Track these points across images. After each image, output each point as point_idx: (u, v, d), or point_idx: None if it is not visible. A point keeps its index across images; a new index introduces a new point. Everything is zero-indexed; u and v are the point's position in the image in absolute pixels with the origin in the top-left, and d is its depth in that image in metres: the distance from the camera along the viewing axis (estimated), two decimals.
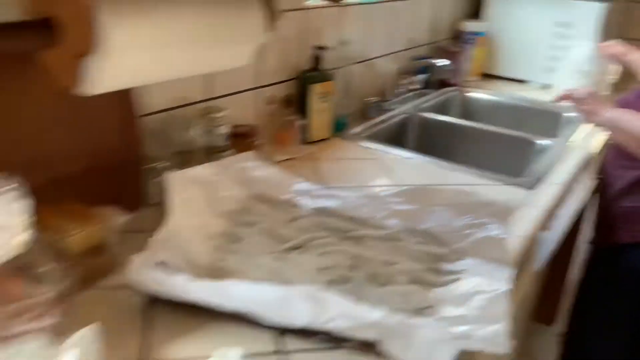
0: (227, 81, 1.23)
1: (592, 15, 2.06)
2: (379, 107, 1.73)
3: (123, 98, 0.98)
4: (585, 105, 1.36)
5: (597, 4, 2.05)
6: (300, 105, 1.40)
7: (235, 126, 1.21)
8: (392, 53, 1.86)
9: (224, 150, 1.13)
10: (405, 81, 1.88)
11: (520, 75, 2.25)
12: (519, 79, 2.25)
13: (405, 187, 1.07)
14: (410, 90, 1.91)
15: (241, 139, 1.19)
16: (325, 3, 1.46)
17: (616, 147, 1.43)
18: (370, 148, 1.43)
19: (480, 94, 2.11)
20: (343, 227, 0.92)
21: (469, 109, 2.12)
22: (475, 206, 0.98)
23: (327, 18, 1.49)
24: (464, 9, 2.31)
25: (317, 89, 1.39)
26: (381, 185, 1.20)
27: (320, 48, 1.38)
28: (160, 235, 0.81)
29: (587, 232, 2.01)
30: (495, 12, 2.24)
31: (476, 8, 2.34)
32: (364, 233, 0.91)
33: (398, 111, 1.77)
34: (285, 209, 0.98)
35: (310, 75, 1.38)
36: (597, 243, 1.55)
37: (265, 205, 0.99)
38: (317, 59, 1.39)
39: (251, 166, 1.08)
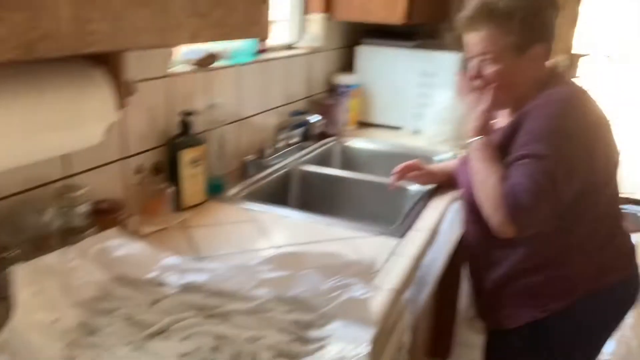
0: (87, 156, 1.18)
1: (450, 64, 2.24)
2: (258, 165, 1.75)
3: None
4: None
5: (456, 55, 2.24)
6: (171, 172, 1.38)
7: (98, 202, 1.16)
8: (269, 110, 1.90)
9: (84, 231, 1.08)
10: (283, 136, 1.92)
11: (393, 122, 2.38)
12: (392, 125, 2.38)
13: (275, 253, 1.07)
14: (290, 145, 1.95)
15: (104, 216, 1.14)
16: (191, 69, 1.47)
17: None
18: (248, 209, 1.43)
19: (358, 143, 2.20)
20: (210, 304, 0.90)
21: (349, 158, 2.20)
22: (343, 267, 1.00)
23: (195, 83, 1.50)
24: (337, 64, 2.42)
25: (187, 154, 1.37)
26: (255, 249, 1.20)
27: (189, 113, 1.38)
28: (3, 338, 0.74)
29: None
30: (366, 64, 2.38)
31: (348, 61, 2.47)
32: (231, 308, 0.89)
33: (278, 167, 1.80)
34: (148, 290, 0.94)
35: (179, 141, 1.37)
36: (491, 327, 1.45)
37: (128, 288, 0.95)
38: (185, 124, 1.38)
39: (114, 245, 1.03)
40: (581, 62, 4.17)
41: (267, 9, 1.14)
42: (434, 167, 1.72)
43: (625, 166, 1.34)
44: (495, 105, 1.29)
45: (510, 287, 1.31)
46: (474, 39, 1.24)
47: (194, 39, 0.93)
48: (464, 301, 2.23)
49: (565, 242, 1.24)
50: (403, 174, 1.60)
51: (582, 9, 3.93)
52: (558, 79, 1.28)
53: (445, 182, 1.63)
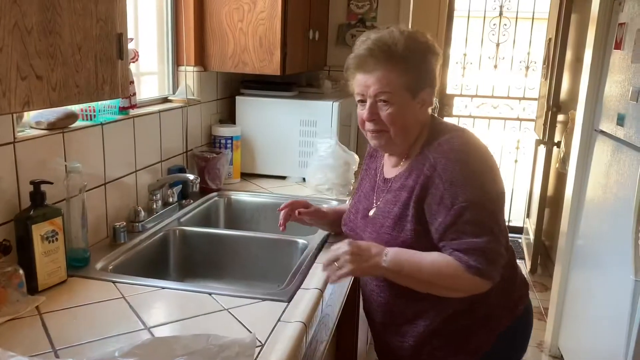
0: None
1: (329, 112, 2.25)
2: (131, 230, 1.60)
3: None
4: (349, 257, 1.21)
5: (332, 102, 2.25)
6: (22, 251, 1.20)
7: None
8: (141, 169, 1.76)
9: None
10: (159, 196, 1.78)
11: (278, 171, 2.33)
12: (278, 175, 2.33)
13: (139, 342, 0.94)
14: (167, 204, 1.82)
15: None
16: (44, 132, 1.32)
17: None
18: (117, 284, 1.28)
19: (243, 196, 2.12)
20: None
21: (234, 214, 2.10)
22: (218, 350, 0.90)
23: (51, 146, 1.34)
24: (217, 115, 2.35)
25: (41, 229, 1.20)
26: (123, 333, 1.06)
27: (41, 182, 1.22)
28: None
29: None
30: (246, 115, 2.32)
31: (229, 112, 2.40)
32: None
33: (154, 230, 1.66)
34: None
35: (30, 214, 1.20)
36: None
37: None
38: (38, 195, 1.21)
39: None
40: (455, 101, 4.47)
41: (125, 65, 1.04)
42: (324, 207, 1.67)
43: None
44: (389, 147, 1.30)
45: (438, 338, 1.29)
46: (369, 80, 1.21)
47: (27, 105, 0.81)
48: (363, 344, 2.18)
49: None
50: (291, 212, 1.54)
51: (451, 51, 4.23)
52: (440, 122, 1.31)
53: (336, 223, 1.55)
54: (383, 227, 1.28)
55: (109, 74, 0.98)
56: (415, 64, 1.21)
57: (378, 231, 1.29)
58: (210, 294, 1.25)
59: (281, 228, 1.53)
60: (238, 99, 2.33)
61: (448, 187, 1.17)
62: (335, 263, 1.22)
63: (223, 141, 2.22)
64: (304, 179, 2.27)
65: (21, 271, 1.15)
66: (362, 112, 1.26)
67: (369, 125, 1.27)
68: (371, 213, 1.35)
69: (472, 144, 1.23)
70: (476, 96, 4.57)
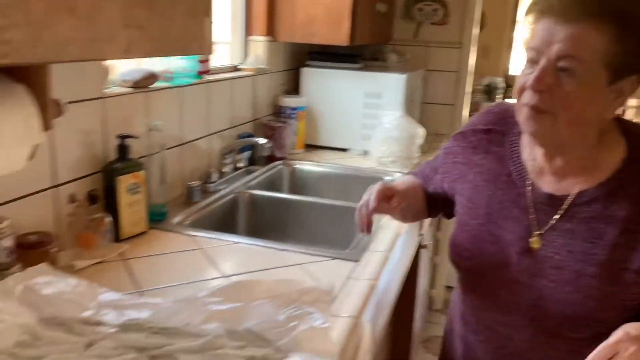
0: (11, 185, 1.07)
1: (396, 85, 2.24)
2: (204, 190, 1.66)
3: None
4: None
5: (400, 75, 2.24)
6: (108, 201, 1.27)
7: (24, 235, 1.05)
8: (214, 133, 1.82)
9: (9, 268, 0.97)
10: (230, 160, 1.84)
11: (341, 144, 2.35)
12: (340, 147, 2.35)
13: (224, 284, 0.99)
14: (237, 169, 1.88)
15: (32, 250, 1.03)
16: (129, 90, 1.38)
17: None
18: (194, 237, 1.34)
19: (306, 166, 2.15)
20: (153, 343, 0.81)
21: (297, 182, 2.14)
22: (298, 294, 0.93)
23: (134, 104, 1.41)
24: (283, 86, 2.38)
25: (126, 181, 1.27)
26: (202, 280, 1.11)
27: (126, 137, 1.29)
28: None
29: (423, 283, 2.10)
30: (311, 86, 2.34)
31: (294, 83, 2.43)
32: (177, 347, 0.80)
33: (225, 192, 1.72)
34: (82, 332, 0.83)
35: (116, 166, 1.27)
36: None
37: (59, 330, 0.84)
38: (123, 149, 1.28)
39: (43, 282, 0.92)
40: None
41: (209, 23, 1.07)
42: (399, 185, 1.19)
43: None
44: (548, 139, 0.91)
45: None
46: (558, 33, 0.82)
47: (128, 53, 0.85)
48: (419, 323, 2.20)
49: None
50: (378, 208, 1.06)
51: (516, 34, 4.10)
52: (634, 125, 0.95)
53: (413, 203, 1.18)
54: (583, 277, 0.90)
55: (197, 30, 1.02)
56: (637, 34, 0.82)
57: (575, 283, 0.90)
58: (281, 250, 1.29)
59: (365, 232, 1.11)
60: (304, 70, 2.35)
61: None
62: None
63: (288, 111, 2.25)
64: (365, 152, 2.28)
65: (108, 218, 1.23)
66: (528, 76, 0.86)
67: (529, 97, 0.86)
68: (535, 245, 0.94)
69: None
70: None
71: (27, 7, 0.65)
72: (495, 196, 1.00)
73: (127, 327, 0.86)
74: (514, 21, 4.02)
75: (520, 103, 0.90)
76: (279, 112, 2.26)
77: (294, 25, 2.14)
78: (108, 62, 1.31)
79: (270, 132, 2.11)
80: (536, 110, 0.86)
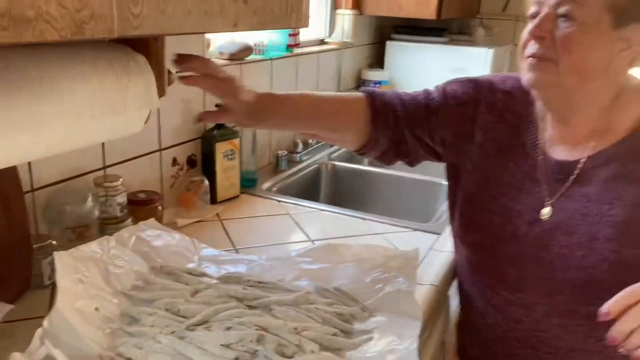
0: (124, 147, 1.18)
1: (482, 60, 2.20)
2: (290, 160, 1.73)
3: (5, 174, 0.90)
4: None
5: (486, 49, 2.20)
6: (206, 165, 1.37)
7: (134, 193, 1.15)
8: None
9: (122, 221, 1.08)
10: None
11: None
12: None
13: (314, 245, 1.05)
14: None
15: (141, 207, 1.13)
16: (225, 62, 1.46)
17: None
18: (281, 202, 1.41)
19: None
20: (250, 294, 0.88)
21: None
22: (384, 259, 0.98)
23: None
24: (367, 59, 2.40)
25: (222, 147, 1.36)
26: (290, 242, 1.18)
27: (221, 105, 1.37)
28: (47, 324, 0.73)
29: None
30: (396, 60, 2.34)
31: (378, 57, 2.44)
32: (273, 299, 0.87)
33: (309, 162, 1.78)
34: (188, 281, 0.92)
35: (214, 134, 1.36)
36: None
37: (168, 278, 0.93)
38: None
39: (152, 235, 1.02)
40: None
41: None
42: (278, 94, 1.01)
43: None
44: (549, 92, 0.87)
45: None
46: None
47: (236, 26, 0.91)
48: None
49: None
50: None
51: None
52: None
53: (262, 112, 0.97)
54: (597, 241, 0.84)
55: (296, 3, 1.06)
56: None
57: (587, 246, 0.84)
58: (363, 219, 1.33)
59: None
60: (389, 43, 2.36)
61: None
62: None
63: (371, 85, 2.27)
64: None
65: (206, 182, 1.32)
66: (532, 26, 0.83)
67: (530, 47, 0.84)
68: (546, 215, 0.89)
69: None
70: None
71: None
72: (508, 168, 0.94)
73: (226, 279, 0.94)
74: None
75: (522, 58, 0.86)
76: (362, 85, 2.29)
77: None
78: (208, 35, 1.39)
79: None
80: (537, 58, 0.83)
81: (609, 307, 0.69)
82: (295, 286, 0.93)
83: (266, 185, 1.53)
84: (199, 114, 1.00)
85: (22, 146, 0.70)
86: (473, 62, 2.22)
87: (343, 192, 1.81)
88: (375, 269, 0.95)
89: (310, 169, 1.76)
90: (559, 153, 0.91)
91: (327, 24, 2.16)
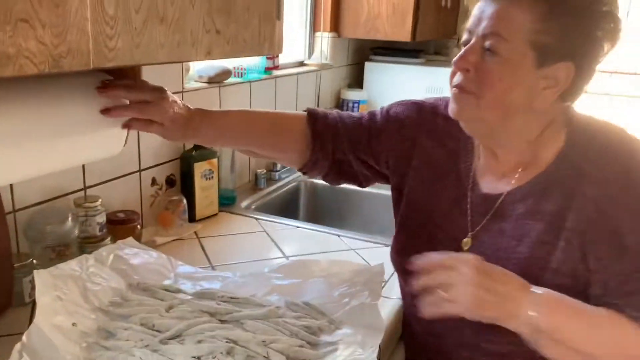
0: (104, 168, 1.22)
1: None
2: (269, 178, 1.78)
3: None
4: (469, 280, 0.76)
5: None
6: (185, 184, 1.41)
7: (114, 213, 1.20)
8: None
9: (101, 240, 1.12)
10: None
11: None
12: None
13: (285, 262, 1.10)
14: None
15: (120, 226, 1.18)
16: (205, 85, 1.52)
17: None
18: (259, 220, 1.46)
19: None
20: (223, 309, 0.93)
21: None
22: (351, 274, 1.02)
23: (210, 98, 1.54)
24: (346, 80, 2.47)
25: (201, 167, 1.41)
26: (266, 259, 1.23)
27: None
28: (25, 339, 0.77)
29: None
30: (373, 80, 2.42)
31: (357, 77, 2.51)
32: (244, 314, 0.91)
33: (288, 180, 1.83)
34: (164, 297, 0.97)
35: (193, 154, 1.41)
36: None
37: (144, 294, 0.97)
38: None
39: (130, 254, 1.07)
40: None
41: (280, 25, 1.18)
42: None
43: None
44: (471, 124, 0.86)
45: None
46: (487, 10, 0.79)
47: (209, 55, 0.97)
48: None
49: None
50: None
51: None
52: (580, 117, 0.87)
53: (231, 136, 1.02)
54: None
55: (269, 32, 1.12)
56: (566, 13, 0.77)
57: None
58: (338, 235, 1.38)
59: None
60: (367, 64, 2.43)
61: (633, 219, 0.77)
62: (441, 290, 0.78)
63: (350, 104, 2.34)
64: None
65: (185, 201, 1.36)
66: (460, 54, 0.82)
67: (456, 77, 0.83)
68: (465, 247, 0.90)
69: None
70: (616, 72, 4.25)
71: (129, 18, 0.78)
72: (440, 194, 0.95)
73: (201, 295, 0.99)
74: None
75: (450, 87, 0.85)
76: (341, 105, 2.36)
77: (358, 21, 2.22)
78: None
79: None
80: (460, 90, 0.82)
81: (420, 261, 0.77)
82: (267, 301, 0.97)
83: (245, 203, 1.58)
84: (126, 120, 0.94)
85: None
86: (448, 82, 2.29)
87: (322, 210, 1.86)
88: (342, 284, 1.00)
89: (289, 187, 1.81)
90: (487, 184, 0.91)
91: (307, 46, 2.23)
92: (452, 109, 0.85)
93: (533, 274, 0.81)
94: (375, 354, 0.81)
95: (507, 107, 0.80)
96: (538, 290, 0.77)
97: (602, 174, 0.79)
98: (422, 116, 0.98)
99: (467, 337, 0.90)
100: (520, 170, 0.87)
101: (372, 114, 1.04)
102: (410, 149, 0.98)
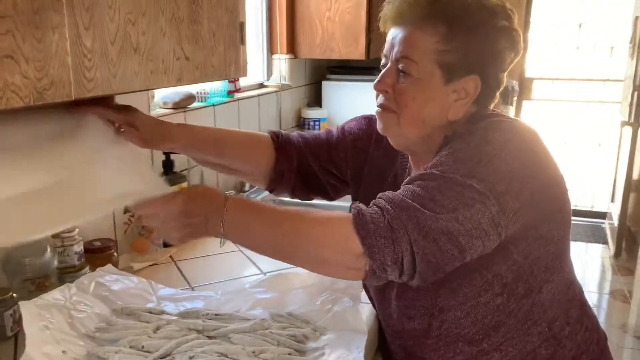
0: None
1: None
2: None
3: None
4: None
5: None
6: None
7: (90, 242, 1.20)
8: None
9: (80, 269, 1.12)
10: None
11: None
12: None
13: (265, 276, 1.13)
14: None
15: (97, 254, 1.19)
16: (170, 111, 1.54)
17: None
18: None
19: None
20: (210, 326, 0.95)
21: None
22: (330, 283, 1.07)
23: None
24: (305, 99, 2.53)
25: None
26: (244, 277, 1.26)
27: (170, 152, 1.44)
28: None
29: None
30: (332, 98, 2.49)
31: (316, 96, 2.58)
32: (231, 328, 0.94)
33: (258, 199, 1.86)
34: (149, 319, 0.98)
35: (163, 179, 1.42)
36: None
37: (129, 319, 0.99)
38: (168, 163, 1.44)
39: (111, 280, 1.08)
40: (534, 85, 4.42)
41: (244, 49, 1.23)
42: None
43: None
44: (397, 139, 0.93)
45: None
46: (397, 36, 0.88)
47: (179, 81, 1.00)
48: None
49: None
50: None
51: (530, 35, 4.19)
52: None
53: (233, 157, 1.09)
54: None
55: (234, 57, 1.17)
56: (465, 32, 0.84)
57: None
58: None
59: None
60: (324, 83, 2.51)
61: (443, 156, 0.83)
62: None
63: (311, 123, 2.40)
64: None
65: None
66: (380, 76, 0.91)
67: (379, 97, 0.92)
68: None
69: (511, 133, 0.85)
70: (557, 79, 4.50)
71: (105, 51, 0.81)
72: (369, 189, 1.01)
73: (186, 314, 1.01)
74: (527, 23, 4.12)
75: (376, 107, 0.95)
76: (302, 123, 2.42)
77: (313, 43, 2.30)
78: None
79: None
80: (382, 109, 0.91)
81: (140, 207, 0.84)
82: (251, 315, 1.00)
83: None
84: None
85: None
86: None
87: None
88: (323, 292, 1.04)
89: None
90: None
91: (265, 68, 2.28)
92: (379, 127, 0.94)
93: None
94: (362, 354, 0.85)
95: (424, 121, 0.88)
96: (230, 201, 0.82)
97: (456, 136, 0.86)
98: (372, 128, 1.04)
99: (393, 322, 0.95)
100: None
101: (328, 131, 1.12)
102: (363, 160, 1.06)
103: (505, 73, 0.90)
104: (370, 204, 0.81)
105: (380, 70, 0.91)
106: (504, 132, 0.84)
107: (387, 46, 0.91)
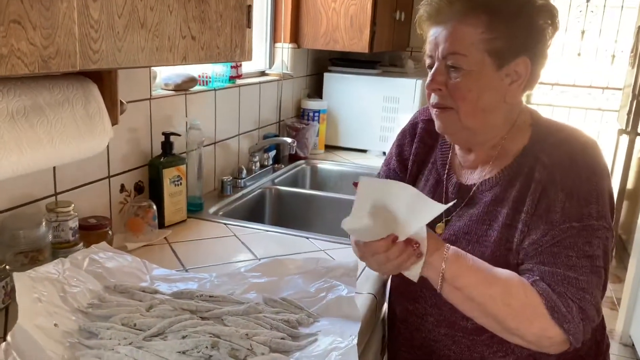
0: (74, 174, 1.22)
1: (412, 89, 2.37)
2: (235, 185, 1.80)
3: None
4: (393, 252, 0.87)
5: (415, 80, 2.37)
6: (154, 191, 1.42)
7: (85, 218, 1.20)
8: (243, 133, 1.97)
9: (74, 245, 1.12)
10: (257, 158, 1.98)
11: (360, 145, 2.49)
12: (359, 148, 2.49)
13: (261, 261, 1.13)
14: (263, 167, 2.02)
15: (92, 231, 1.18)
16: (171, 93, 1.53)
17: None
18: (227, 225, 1.48)
19: (327, 165, 2.29)
20: (203, 307, 0.95)
21: (318, 179, 2.28)
22: (326, 270, 1.07)
23: (176, 105, 1.56)
24: (306, 89, 2.52)
25: (169, 174, 1.42)
26: (238, 261, 1.25)
27: (170, 134, 1.43)
28: (10, 338, 0.77)
29: None
30: (333, 90, 2.48)
31: (317, 87, 2.57)
32: (224, 310, 0.94)
33: (253, 187, 1.86)
34: (142, 298, 0.98)
35: (161, 160, 1.42)
36: None
37: (122, 296, 0.98)
38: (167, 145, 1.43)
39: (105, 257, 1.07)
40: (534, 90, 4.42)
41: (250, 33, 1.22)
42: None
43: None
44: (458, 134, 0.97)
45: None
46: (440, 35, 0.90)
47: (184, 60, 1.00)
48: None
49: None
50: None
51: None
52: (542, 117, 1.00)
53: None
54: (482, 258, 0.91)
55: (240, 39, 1.16)
56: (507, 17, 0.88)
57: None
58: (307, 237, 1.42)
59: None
60: (326, 75, 2.50)
61: (564, 199, 0.87)
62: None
63: (311, 114, 2.39)
64: (384, 153, 2.41)
65: (154, 207, 1.37)
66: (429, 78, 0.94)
67: (432, 97, 0.95)
68: (439, 231, 1.01)
69: (597, 151, 0.92)
70: (557, 84, 4.50)
71: (112, 23, 0.80)
72: (420, 182, 1.09)
73: (179, 294, 1.00)
74: None
75: (430, 108, 0.98)
76: (302, 114, 2.41)
77: (317, 33, 2.29)
78: (155, 68, 1.46)
79: (294, 133, 2.25)
80: (439, 108, 0.94)
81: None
82: (245, 298, 1.00)
83: (212, 209, 1.60)
84: None
85: None
86: (404, 91, 2.39)
87: (287, 215, 1.90)
88: (318, 279, 1.04)
89: (254, 193, 1.84)
90: (462, 176, 1.03)
91: (267, 56, 2.27)
92: (437, 127, 0.97)
93: (501, 254, 0.92)
94: (355, 341, 0.85)
95: (483, 110, 0.92)
96: (448, 248, 0.88)
97: (551, 160, 0.91)
98: (404, 135, 1.14)
99: (445, 314, 0.99)
100: (490, 163, 0.98)
101: (386, 162, 1.20)
102: (407, 160, 1.14)
103: (549, 47, 0.94)
104: (547, 291, 0.85)
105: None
106: (588, 148, 0.92)
107: (430, 46, 0.93)
